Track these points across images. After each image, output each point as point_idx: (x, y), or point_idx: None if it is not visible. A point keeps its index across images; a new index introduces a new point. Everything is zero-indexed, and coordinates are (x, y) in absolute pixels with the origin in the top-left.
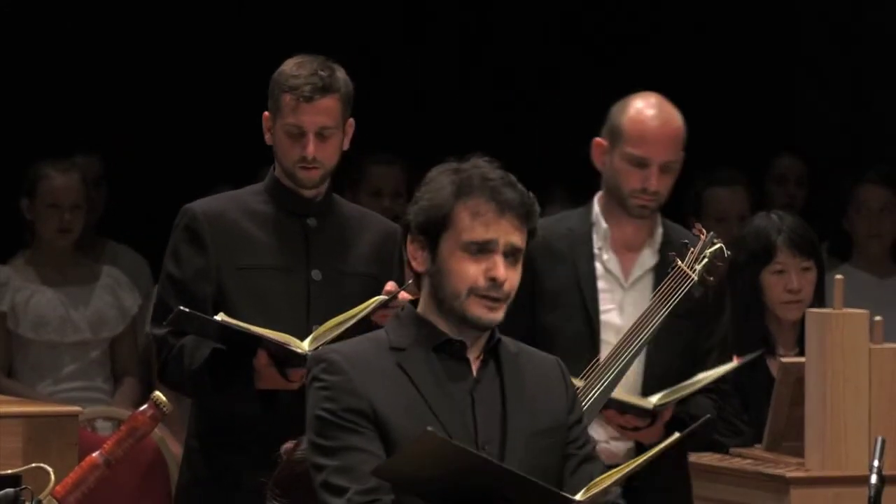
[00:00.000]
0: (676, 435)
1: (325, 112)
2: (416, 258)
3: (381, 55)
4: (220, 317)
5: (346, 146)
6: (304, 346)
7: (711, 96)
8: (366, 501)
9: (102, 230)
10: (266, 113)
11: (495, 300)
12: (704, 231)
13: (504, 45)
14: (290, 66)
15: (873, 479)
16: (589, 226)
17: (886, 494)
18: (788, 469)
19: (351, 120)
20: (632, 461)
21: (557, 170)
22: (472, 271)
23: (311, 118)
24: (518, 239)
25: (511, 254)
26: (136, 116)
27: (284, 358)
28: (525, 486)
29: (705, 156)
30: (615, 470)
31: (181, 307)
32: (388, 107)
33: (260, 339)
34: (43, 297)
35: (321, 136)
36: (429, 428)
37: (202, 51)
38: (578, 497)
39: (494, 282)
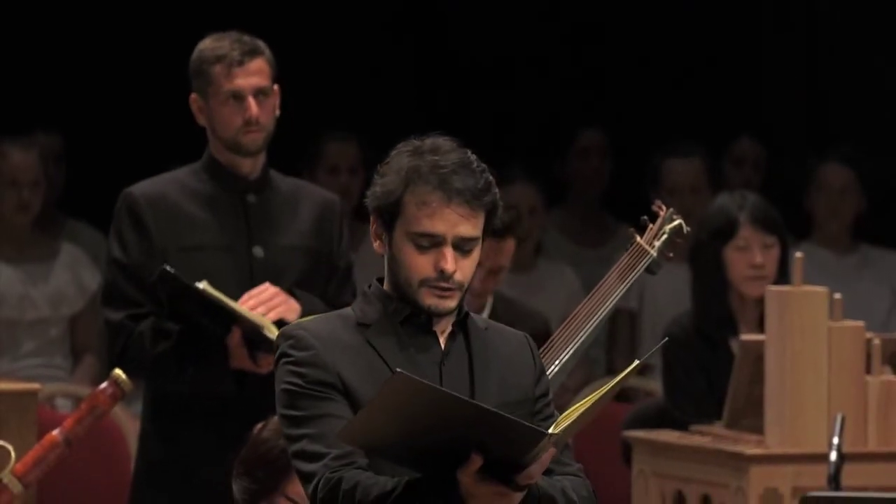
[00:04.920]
0: (636, 362)
1: (257, 73)
2: (377, 240)
3: (335, 32)
4: (202, 284)
5: (277, 111)
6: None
7: (676, 75)
8: (342, 465)
9: (62, 207)
10: (193, 95)
11: (446, 290)
12: (664, 207)
13: (461, 21)
14: (208, 42)
15: (833, 456)
16: None
17: (846, 471)
18: (748, 446)
19: (276, 86)
20: (594, 394)
21: (515, 146)
22: (421, 263)
23: (247, 80)
24: (467, 228)
25: (462, 244)
26: (97, 94)
27: (257, 341)
28: (500, 424)
29: (666, 132)
30: (581, 403)
31: (166, 266)
32: (343, 83)
33: (236, 317)
34: (2, 275)
35: (258, 97)
36: (398, 369)
37: (163, 28)
38: (551, 431)
39: (443, 273)
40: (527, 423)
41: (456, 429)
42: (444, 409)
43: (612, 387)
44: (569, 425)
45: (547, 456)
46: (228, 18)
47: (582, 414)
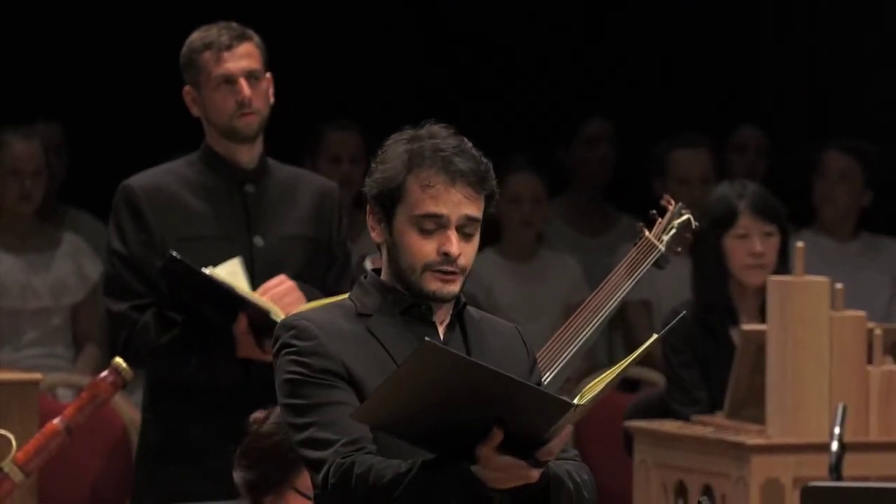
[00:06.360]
0: (655, 336)
1: (247, 56)
2: (375, 229)
3: (336, 22)
4: (208, 270)
5: (271, 99)
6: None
7: (679, 63)
8: (353, 451)
9: (63, 197)
10: (186, 87)
11: (450, 273)
12: (673, 201)
13: (461, 8)
14: (196, 34)
15: (834, 445)
16: None
17: (847, 461)
18: (749, 436)
19: (269, 73)
20: (615, 366)
21: (517, 135)
22: (425, 248)
23: (237, 63)
24: (471, 209)
25: (465, 226)
26: (98, 83)
27: (263, 327)
28: (527, 394)
29: (670, 120)
30: (603, 376)
31: (173, 252)
32: (343, 73)
33: (243, 302)
34: (3, 265)
35: (250, 80)
36: (427, 339)
37: (163, 18)
38: (576, 401)
39: (448, 256)
40: (553, 394)
41: (478, 402)
42: (470, 379)
43: (633, 360)
44: (592, 397)
45: (565, 433)
46: (229, 10)
47: (604, 387)
